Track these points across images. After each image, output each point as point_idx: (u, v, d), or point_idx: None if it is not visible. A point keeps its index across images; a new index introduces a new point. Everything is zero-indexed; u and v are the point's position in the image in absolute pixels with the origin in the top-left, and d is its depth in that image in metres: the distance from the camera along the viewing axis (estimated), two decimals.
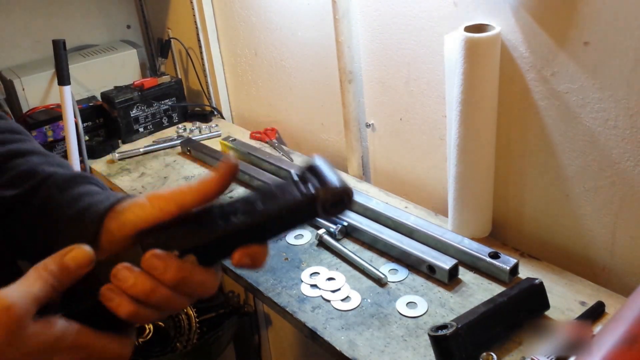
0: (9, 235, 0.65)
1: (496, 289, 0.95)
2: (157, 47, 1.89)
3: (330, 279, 1.02)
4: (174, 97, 1.69)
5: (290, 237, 1.13)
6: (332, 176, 0.51)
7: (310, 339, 0.93)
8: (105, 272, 0.53)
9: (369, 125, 1.30)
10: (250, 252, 0.52)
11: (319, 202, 0.50)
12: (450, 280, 0.98)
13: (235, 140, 1.48)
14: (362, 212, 1.15)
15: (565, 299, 0.92)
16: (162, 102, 1.66)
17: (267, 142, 1.52)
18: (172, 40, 1.79)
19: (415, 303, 0.95)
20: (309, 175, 0.52)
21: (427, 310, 0.93)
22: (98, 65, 1.72)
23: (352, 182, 1.31)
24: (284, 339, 1.86)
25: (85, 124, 1.59)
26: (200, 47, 1.67)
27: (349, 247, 1.08)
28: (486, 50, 0.92)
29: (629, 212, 0.92)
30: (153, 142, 1.61)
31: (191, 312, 1.77)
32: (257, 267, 0.53)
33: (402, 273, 1.02)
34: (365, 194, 1.21)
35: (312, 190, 0.50)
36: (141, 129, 1.64)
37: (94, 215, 0.58)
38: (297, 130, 1.53)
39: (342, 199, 0.51)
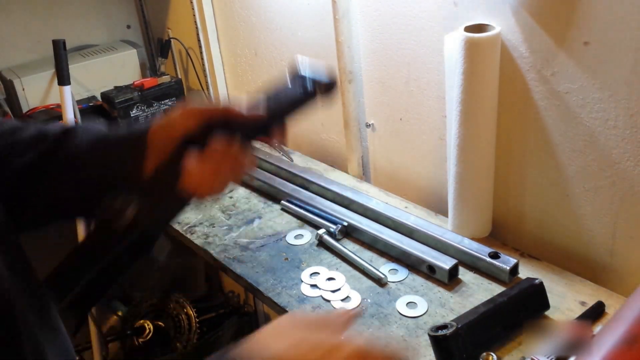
0: (32, 201, 0.68)
1: (496, 289, 0.95)
2: (157, 47, 1.89)
3: (330, 279, 1.02)
4: (174, 97, 1.68)
5: (291, 237, 1.13)
6: (320, 71, 0.70)
7: None
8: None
9: (369, 125, 1.30)
10: (277, 131, 0.70)
11: (316, 95, 0.69)
12: (450, 280, 0.98)
13: None
14: (362, 212, 1.15)
15: (565, 299, 0.92)
16: (162, 102, 1.66)
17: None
18: (172, 40, 1.79)
19: (415, 303, 0.95)
20: (302, 74, 0.70)
21: (427, 310, 0.93)
22: (98, 65, 1.72)
23: (352, 182, 1.31)
24: None
25: None
26: (200, 47, 1.67)
27: (349, 247, 1.08)
28: (486, 50, 0.92)
29: (629, 212, 0.92)
30: None
31: (191, 312, 1.77)
32: (284, 139, 0.71)
33: (402, 273, 1.02)
34: (365, 194, 1.21)
35: (310, 89, 0.69)
36: None
37: (137, 136, 0.68)
38: (297, 130, 1.53)
39: (332, 87, 0.70)
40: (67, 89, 1.49)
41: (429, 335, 0.81)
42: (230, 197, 1.30)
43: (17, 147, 0.68)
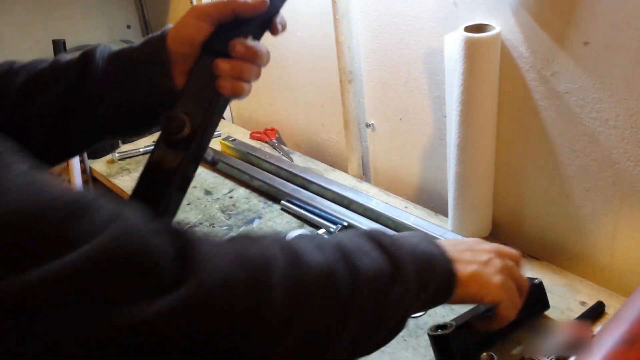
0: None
1: None
2: None
3: None
4: None
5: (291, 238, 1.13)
6: None
7: None
8: None
9: (369, 125, 1.30)
10: (277, 21, 0.75)
11: None
12: None
13: (235, 140, 1.48)
14: (362, 212, 1.15)
15: (565, 299, 0.92)
16: None
17: (267, 142, 1.52)
18: None
19: None
20: None
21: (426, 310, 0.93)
22: None
23: (352, 182, 1.31)
24: None
25: None
26: None
27: None
28: (486, 50, 0.92)
29: (629, 212, 0.92)
30: (153, 142, 1.60)
31: None
32: (284, 29, 0.77)
33: None
34: (365, 194, 1.21)
35: None
36: None
37: (155, 43, 0.69)
38: (297, 130, 1.53)
39: None
40: None
41: (429, 335, 0.81)
42: (230, 197, 1.30)
43: (34, 83, 0.69)
